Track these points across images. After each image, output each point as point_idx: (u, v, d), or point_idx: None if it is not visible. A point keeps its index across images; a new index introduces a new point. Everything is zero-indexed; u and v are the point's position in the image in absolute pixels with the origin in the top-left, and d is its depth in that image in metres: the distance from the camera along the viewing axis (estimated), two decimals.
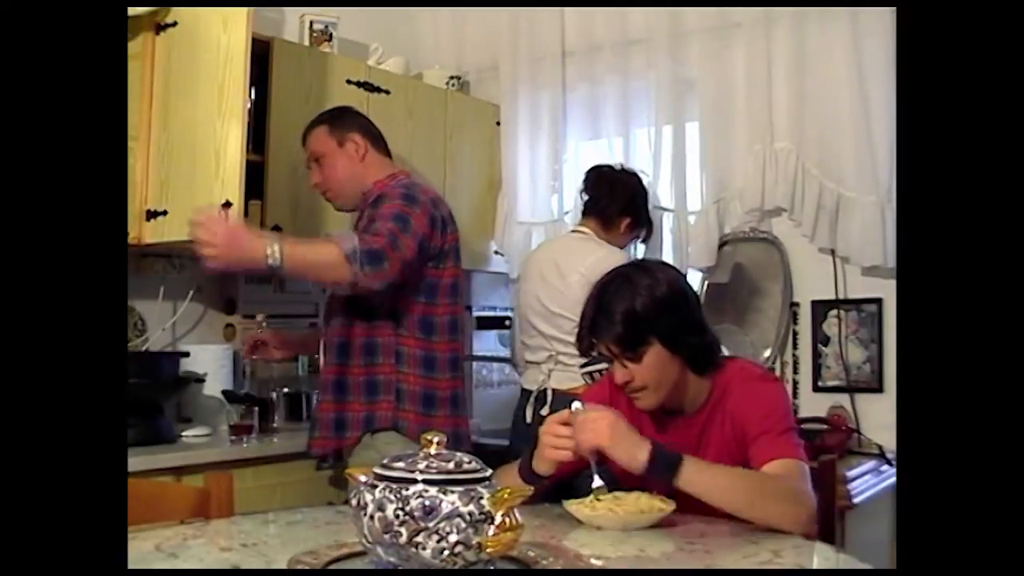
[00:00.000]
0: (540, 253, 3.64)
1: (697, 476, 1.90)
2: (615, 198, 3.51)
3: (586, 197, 3.57)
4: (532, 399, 3.40)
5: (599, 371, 3.26)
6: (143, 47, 3.14)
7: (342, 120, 3.11)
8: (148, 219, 3.11)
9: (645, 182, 3.91)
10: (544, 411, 3.31)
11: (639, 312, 2.05)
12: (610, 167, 3.63)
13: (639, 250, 4.05)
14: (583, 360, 3.32)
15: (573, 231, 3.58)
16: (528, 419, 3.37)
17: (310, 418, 3.15)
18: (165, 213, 3.14)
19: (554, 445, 2.02)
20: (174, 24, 3.19)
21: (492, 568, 1.51)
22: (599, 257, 3.30)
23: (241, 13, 3.07)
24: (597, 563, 1.68)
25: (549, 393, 3.35)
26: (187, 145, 3.15)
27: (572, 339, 3.30)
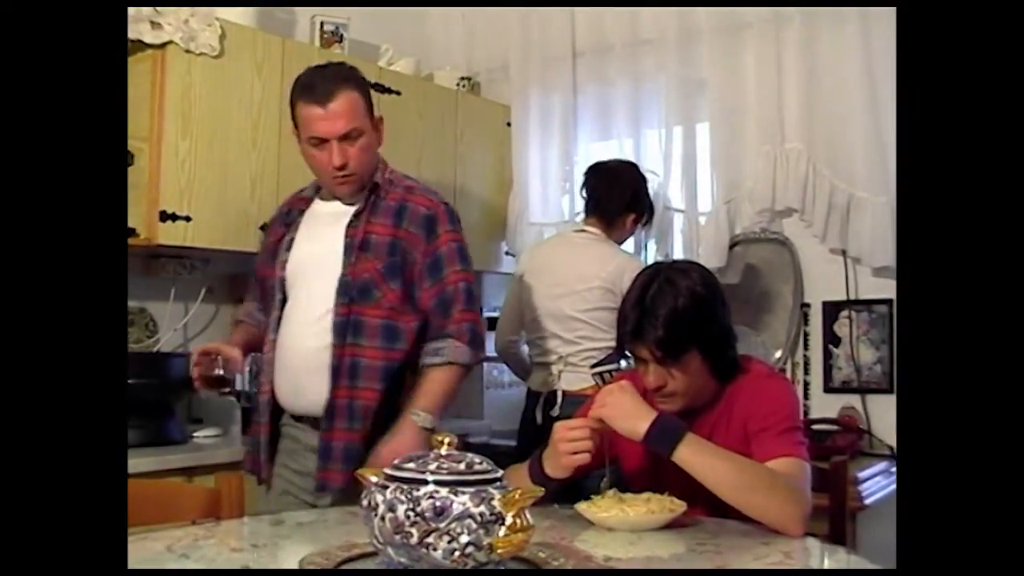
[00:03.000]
0: (549, 254, 3.61)
1: (694, 454, 1.90)
2: (616, 197, 3.49)
3: (586, 196, 3.56)
4: (542, 401, 3.40)
5: (609, 372, 3.26)
6: (153, 53, 3.16)
7: (369, 90, 2.70)
8: (163, 220, 3.12)
9: (655, 182, 3.92)
10: (554, 412, 3.31)
11: (681, 313, 2.05)
12: (607, 163, 3.61)
13: (650, 251, 4.05)
14: (594, 360, 3.32)
15: (580, 231, 3.56)
16: (539, 421, 3.37)
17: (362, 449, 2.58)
18: (188, 219, 3.19)
19: (572, 451, 2.02)
20: (199, 54, 3.26)
21: (503, 569, 1.51)
22: (619, 264, 3.32)
23: (276, 64, 3.47)
24: (608, 564, 1.68)
25: (559, 395, 3.35)
26: (216, 161, 3.30)
27: (584, 342, 3.33)
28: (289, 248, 2.71)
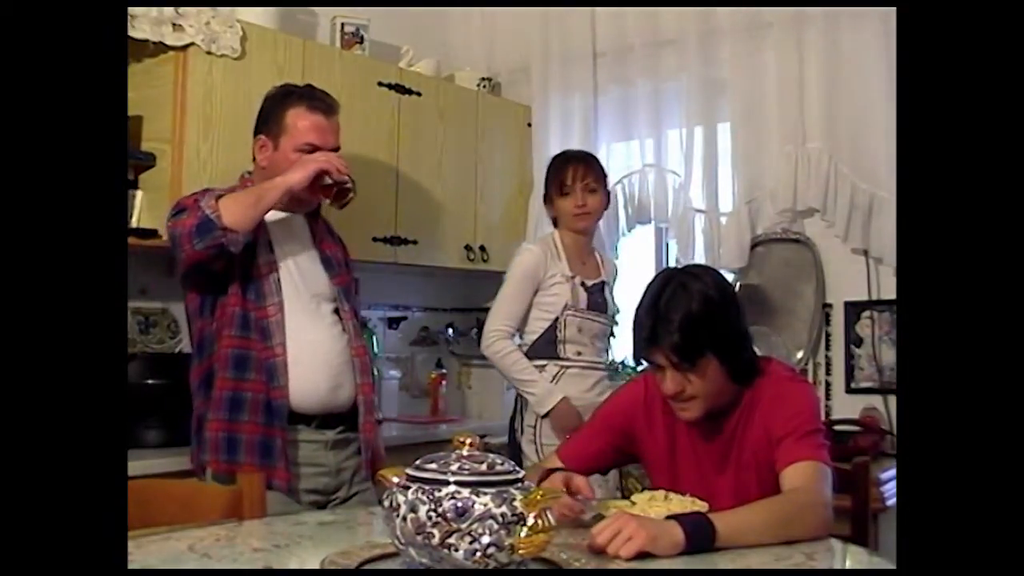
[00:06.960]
0: None
1: (730, 530, 1.80)
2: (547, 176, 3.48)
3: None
4: None
5: None
6: (175, 55, 3.18)
7: None
8: None
9: (676, 183, 3.92)
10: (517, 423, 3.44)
11: (696, 318, 2.03)
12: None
13: (671, 251, 4.04)
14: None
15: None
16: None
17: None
18: None
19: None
20: (220, 56, 3.27)
21: (524, 569, 1.51)
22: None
23: (297, 65, 3.46)
24: (628, 565, 1.67)
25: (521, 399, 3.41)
26: (237, 163, 3.19)
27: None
28: (271, 250, 2.66)
